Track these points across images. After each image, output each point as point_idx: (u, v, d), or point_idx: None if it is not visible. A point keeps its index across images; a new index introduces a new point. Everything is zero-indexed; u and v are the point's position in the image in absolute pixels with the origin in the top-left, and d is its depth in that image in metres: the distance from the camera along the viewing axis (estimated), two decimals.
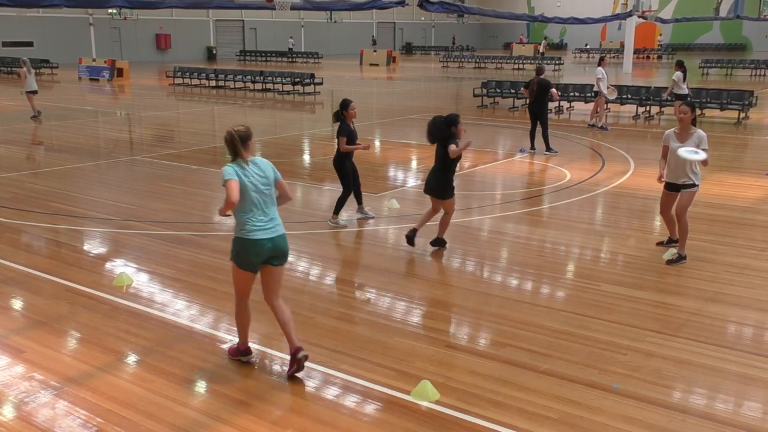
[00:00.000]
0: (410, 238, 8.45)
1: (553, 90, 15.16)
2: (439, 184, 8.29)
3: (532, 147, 15.09)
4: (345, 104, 9.21)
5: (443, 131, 8.14)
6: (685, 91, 18.22)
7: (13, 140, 16.93)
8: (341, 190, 9.50)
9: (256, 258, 5.35)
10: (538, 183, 12.87)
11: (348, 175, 9.43)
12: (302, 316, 6.59)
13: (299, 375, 5.39)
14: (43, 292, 7.16)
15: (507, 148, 16.35)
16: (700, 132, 7.92)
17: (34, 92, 20.05)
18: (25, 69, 19.72)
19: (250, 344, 5.72)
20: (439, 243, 8.57)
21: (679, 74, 18.10)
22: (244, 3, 26.98)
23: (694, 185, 8.00)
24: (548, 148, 14.83)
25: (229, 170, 5.27)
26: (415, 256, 8.45)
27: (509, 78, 30.18)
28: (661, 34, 62.03)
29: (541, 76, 14.99)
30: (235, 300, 5.60)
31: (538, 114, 15.00)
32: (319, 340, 6.03)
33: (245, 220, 5.32)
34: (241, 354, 5.68)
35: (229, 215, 5.32)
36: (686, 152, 7.73)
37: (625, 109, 22.30)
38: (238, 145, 5.32)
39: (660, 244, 8.62)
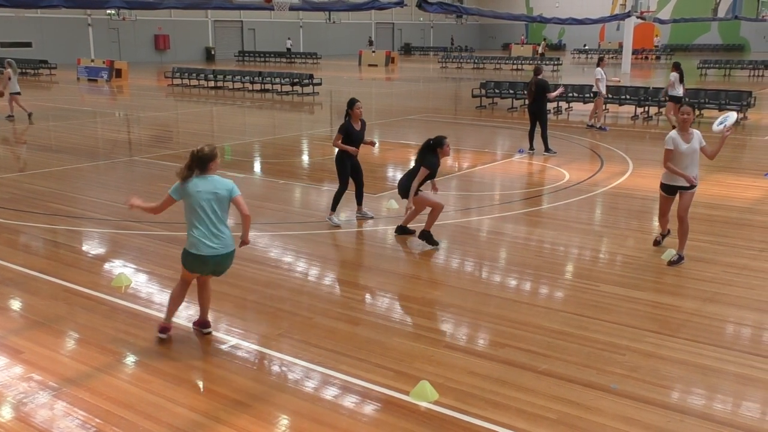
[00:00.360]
0: (398, 231, 9.06)
1: (550, 94, 15.10)
2: (405, 187, 8.64)
3: (531, 147, 15.10)
4: (351, 103, 9.36)
5: (425, 152, 8.54)
6: (680, 93, 18.21)
7: (11, 141, 16.91)
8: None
9: (201, 270, 5.80)
10: (537, 183, 12.87)
11: (345, 172, 9.46)
12: (301, 316, 6.59)
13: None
14: (41, 293, 7.15)
15: (506, 148, 16.35)
16: (697, 131, 7.98)
17: (18, 93, 19.98)
18: (10, 70, 19.61)
19: (251, 344, 5.71)
20: (424, 236, 8.61)
21: (675, 75, 18.12)
22: (243, 3, 26.95)
23: (695, 185, 8.02)
24: (547, 149, 14.83)
25: (174, 187, 5.73)
26: (413, 257, 8.45)
27: (508, 78, 30.20)
28: (657, 36, 61.93)
29: (539, 77, 15.00)
30: (179, 282, 6.01)
31: (537, 114, 15.01)
32: (318, 340, 6.03)
33: (191, 234, 5.64)
34: (161, 331, 6.00)
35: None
36: (716, 125, 8.04)
37: (623, 110, 22.32)
38: (193, 166, 5.66)
39: (656, 243, 8.62)
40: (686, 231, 8.03)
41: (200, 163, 5.63)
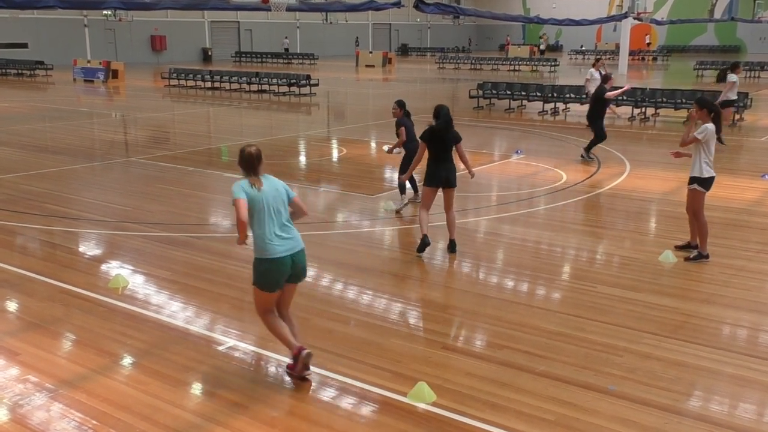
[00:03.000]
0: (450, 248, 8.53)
1: (608, 93, 14.23)
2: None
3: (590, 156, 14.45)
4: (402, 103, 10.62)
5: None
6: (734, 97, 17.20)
7: (8, 142, 16.87)
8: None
9: (280, 276, 5.19)
10: (534, 184, 12.87)
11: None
12: (298, 317, 6.56)
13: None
14: (37, 294, 7.13)
15: (503, 149, 16.36)
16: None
17: None
18: None
19: (248, 345, 5.69)
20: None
21: (733, 76, 16.75)
22: (240, 4, 26.93)
23: (692, 183, 8.12)
24: (586, 153, 14.39)
25: (237, 188, 5.12)
26: (410, 258, 8.44)
27: (505, 79, 30.21)
28: (647, 34, 61.20)
29: (604, 85, 14.35)
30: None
31: (590, 121, 14.61)
32: (316, 341, 6.02)
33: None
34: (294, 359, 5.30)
35: (247, 245, 5.17)
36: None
37: (620, 111, 22.29)
38: (255, 163, 5.21)
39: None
40: (703, 230, 8.11)
41: (259, 160, 5.27)
